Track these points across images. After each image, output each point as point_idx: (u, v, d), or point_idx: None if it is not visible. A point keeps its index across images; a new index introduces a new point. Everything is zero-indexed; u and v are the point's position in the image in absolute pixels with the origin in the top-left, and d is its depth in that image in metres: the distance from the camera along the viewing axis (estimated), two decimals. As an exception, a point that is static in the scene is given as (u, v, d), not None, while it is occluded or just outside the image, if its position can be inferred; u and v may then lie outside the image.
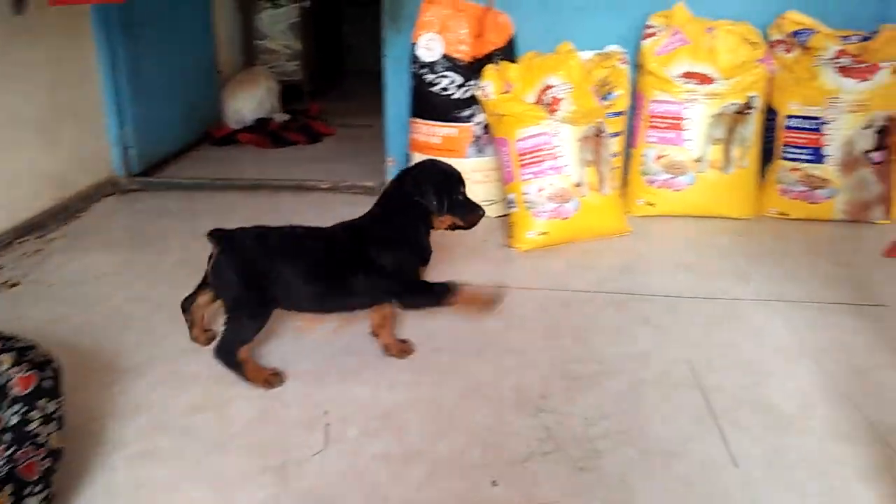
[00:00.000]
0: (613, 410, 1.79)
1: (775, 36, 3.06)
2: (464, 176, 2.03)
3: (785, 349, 2.08)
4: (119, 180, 3.70)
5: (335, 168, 4.09)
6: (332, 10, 6.71)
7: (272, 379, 1.90)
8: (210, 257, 1.92)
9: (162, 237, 3.00)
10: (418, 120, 3.20)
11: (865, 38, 2.93)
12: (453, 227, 2.02)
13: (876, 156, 2.94)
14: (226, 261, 1.87)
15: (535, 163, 2.83)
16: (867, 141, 2.92)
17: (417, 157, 3.24)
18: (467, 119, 3.10)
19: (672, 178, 3.12)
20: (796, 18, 3.01)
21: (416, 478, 1.55)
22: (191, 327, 2.09)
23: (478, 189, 3.18)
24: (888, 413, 1.76)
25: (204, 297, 2.03)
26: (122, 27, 3.56)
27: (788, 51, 3.01)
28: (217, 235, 1.88)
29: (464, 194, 2.00)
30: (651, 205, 3.19)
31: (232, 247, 1.87)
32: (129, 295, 2.46)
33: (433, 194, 1.92)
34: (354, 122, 5.37)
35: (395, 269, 1.92)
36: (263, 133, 4.92)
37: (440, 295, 1.92)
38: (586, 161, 2.86)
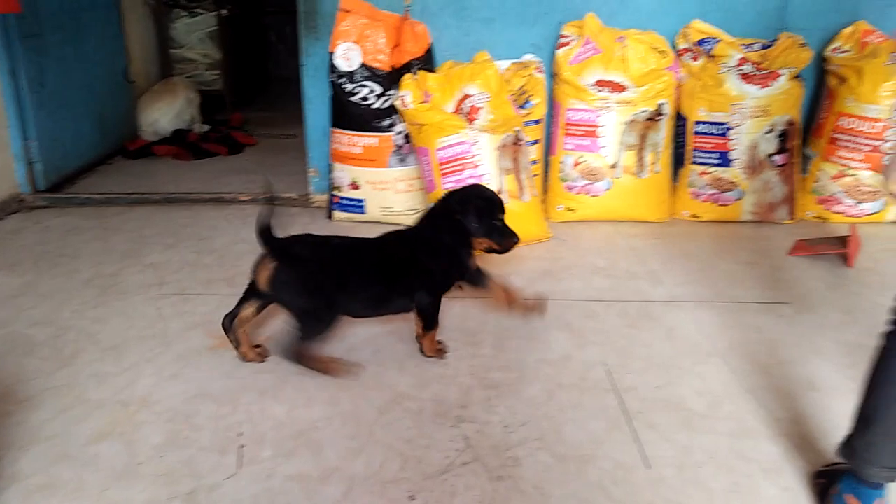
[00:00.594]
0: (531, 417, 1.81)
1: (682, 45, 3.18)
2: (501, 202, 2.11)
3: (695, 349, 2.15)
4: (24, 197, 3.51)
5: (256, 179, 4.01)
6: (254, 17, 6.59)
7: (340, 368, 1.97)
8: (256, 269, 1.94)
9: (70, 256, 2.86)
10: (338, 130, 3.17)
11: (766, 47, 3.08)
12: (489, 250, 2.12)
13: (779, 159, 3.09)
14: (287, 272, 1.90)
15: (455, 171, 2.85)
16: (770, 145, 3.07)
17: (337, 168, 3.22)
18: (388, 129, 3.08)
19: (589, 183, 3.19)
20: (701, 27, 3.13)
21: (332, 497, 1.52)
22: (237, 346, 2.05)
23: (402, 198, 3.19)
24: (790, 408, 1.85)
25: (247, 311, 2.02)
26: (22, 37, 3.39)
27: (695, 59, 3.13)
28: (273, 247, 1.90)
29: (502, 220, 2.09)
30: (571, 210, 3.26)
31: (290, 258, 1.91)
32: (33, 318, 2.33)
33: (474, 216, 2.02)
34: (278, 131, 5.28)
35: (438, 275, 2.04)
36: (182, 145, 4.77)
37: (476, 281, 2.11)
38: (505, 169, 2.90)
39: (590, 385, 1.96)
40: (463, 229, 2.03)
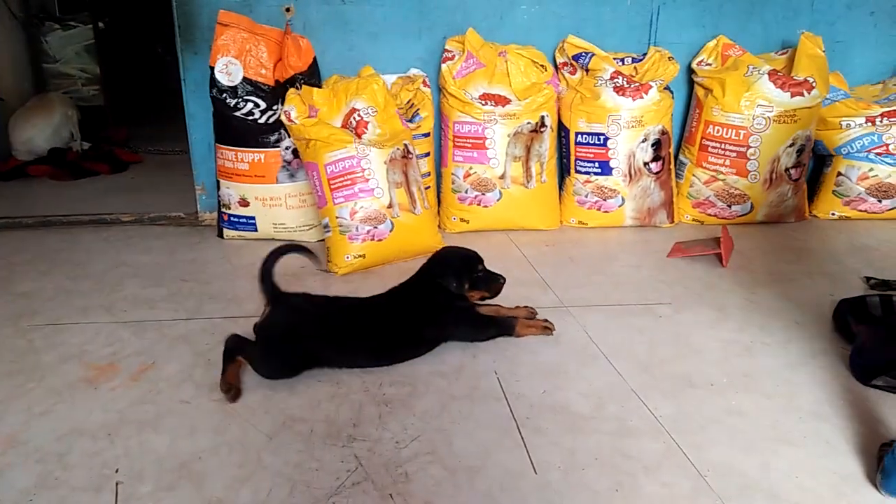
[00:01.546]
0: (423, 430, 1.81)
1: (560, 59, 3.31)
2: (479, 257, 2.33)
3: (581, 352, 2.23)
4: None
5: (141, 198, 3.84)
6: (135, 29, 6.31)
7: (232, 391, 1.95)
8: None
9: (-74, 289, 2.64)
10: (223, 146, 3.09)
11: (637, 60, 3.25)
12: (482, 298, 2.33)
13: (654, 166, 3.26)
14: (277, 317, 2.07)
15: (345, 186, 2.83)
16: (645, 153, 3.24)
17: (224, 185, 3.13)
18: (274, 144, 3.03)
19: (481, 194, 3.25)
20: (576, 42, 3.27)
21: (216, 530, 1.47)
22: (224, 372, 2.00)
23: (294, 214, 3.14)
24: (669, 405, 1.94)
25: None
26: None
27: (573, 73, 3.27)
28: (270, 292, 2.08)
29: (483, 270, 2.31)
30: (465, 221, 3.31)
31: (285, 305, 2.09)
32: None
33: (454, 279, 2.22)
34: (167, 147, 5.08)
35: (457, 323, 2.25)
36: (59, 164, 4.51)
37: (504, 327, 2.28)
38: (396, 182, 2.91)
39: (481, 394, 1.99)
40: (447, 290, 2.22)
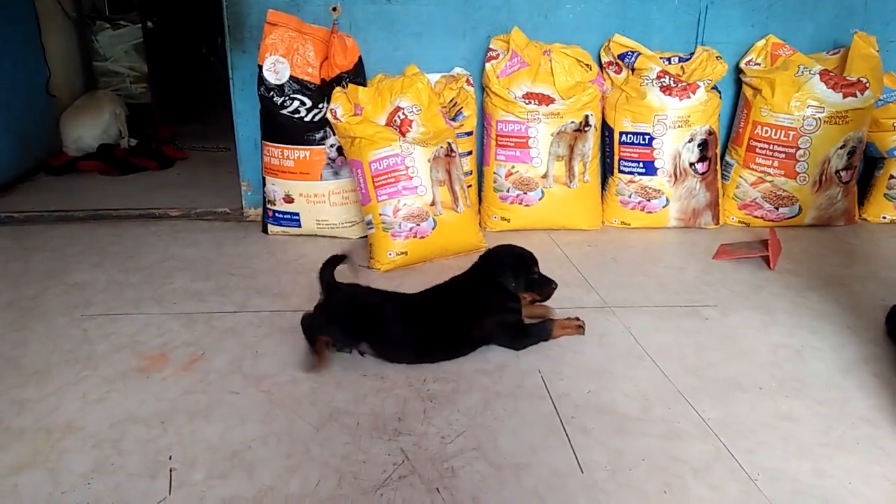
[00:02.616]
0: (468, 426, 1.82)
1: (605, 58, 3.28)
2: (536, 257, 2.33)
3: (626, 353, 2.21)
4: (-65, 218, 3.34)
5: (187, 194, 3.92)
6: (182, 29, 6.45)
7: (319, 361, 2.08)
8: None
9: (-15, 279, 2.73)
10: (270, 143, 3.14)
11: (684, 60, 3.20)
12: (532, 301, 2.32)
13: (700, 167, 3.22)
14: (329, 304, 2.17)
15: (389, 184, 2.85)
16: (692, 153, 3.20)
17: (270, 181, 3.18)
18: (319, 142, 3.07)
19: (522, 193, 3.25)
20: (622, 42, 3.24)
21: (268, 518, 1.50)
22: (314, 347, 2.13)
23: (337, 211, 3.17)
24: (717, 408, 1.91)
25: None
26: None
27: (618, 72, 3.24)
28: (326, 283, 2.19)
29: (538, 273, 2.30)
30: (506, 220, 3.31)
31: (338, 294, 2.19)
32: (-55, 346, 2.21)
33: (511, 276, 2.23)
34: (211, 144, 5.18)
35: (498, 328, 2.21)
36: (108, 160, 4.63)
37: (542, 334, 2.24)
38: (439, 180, 2.92)
39: (525, 393, 1.99)
40: (505, 289, 2.22)
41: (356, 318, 2.12)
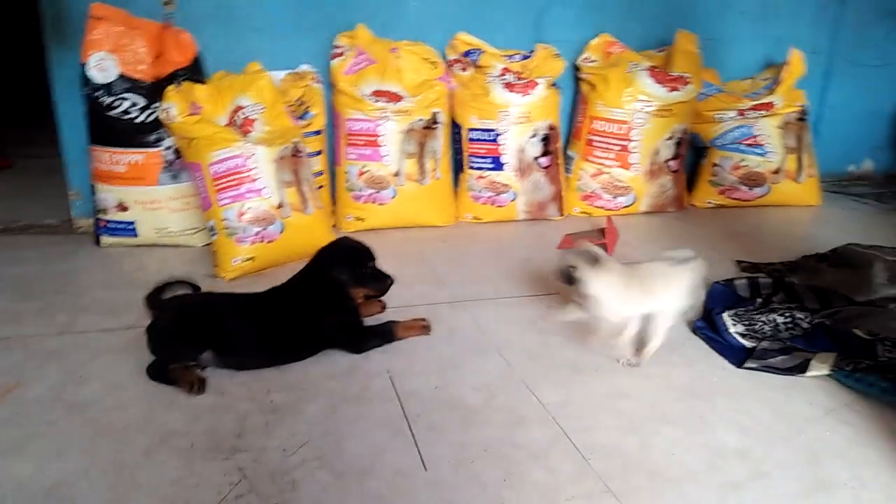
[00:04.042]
0: (311, 436, 1.77)
1: (451, 55, 3.33)
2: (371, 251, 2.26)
3: (474, 346, 2.25)
4: None
5: (10, 206, 3.57)
6: (12, 25, 5.84)
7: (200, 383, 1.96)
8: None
9: None
10: (99, 147, 2.91)
11: (525, 57, 3.31)
12: (367, 297, 2.27)
13: (544, 161, 3.34)
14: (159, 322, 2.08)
15: (231, 186, 2.73)
16: (535, 148, 3.31)
17: (100, 189, 2.95)
18: (154, 144, 2.89)
19: (376, 192, 3.23)
20: (466, 39, 3.30)
21: (85, 558, 1.38)
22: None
23: (178, 217, 3.00)
24: (557, 392, 1.98)
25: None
26: None
27: (464, 69, 3.29)
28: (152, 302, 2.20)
29: (371, 267, 2.24)
30: (360, 219, 3.28)
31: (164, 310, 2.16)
32: None
33: (342, 271, 2.17)
34: (43, 151, 4.73)
35: (336, 330, 2.16)
36: (-83, 170, 4.13)
37: (385, 336, 2.22)
38: (286, 182, 2.83)
39: (372, 395, 1.96)
40: (337, 284, 2.15)
41: (191, 327, 2.02)
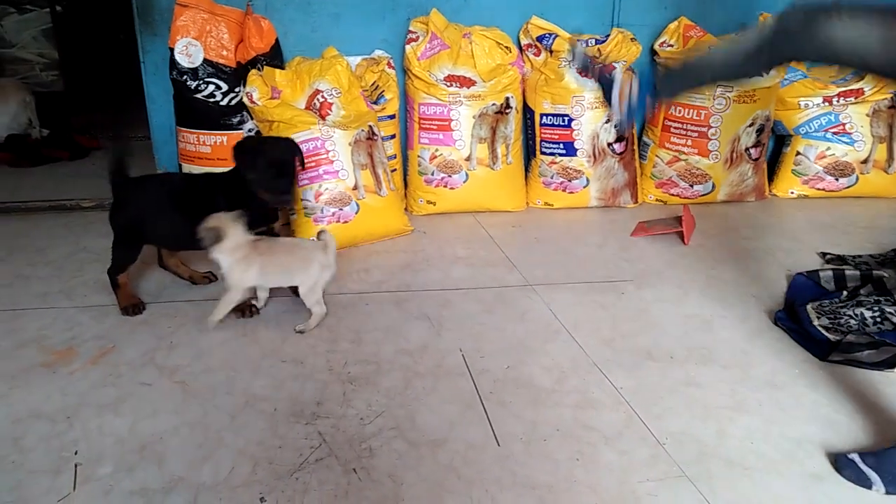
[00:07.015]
0: (387, 406, 1.82)
1: (524, 40, 3.31)
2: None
3: (545, 328, 2.25)
4: None
5: (101, 184, 3.73)
6: (96, 13, 6.16)
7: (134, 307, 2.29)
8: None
9: None
10: (185, 129, 3.04)
11: (600, 42, 3.26)
12: (266, 204, 2.26)
13: (618, 147, 3.29)
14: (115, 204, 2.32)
15: (310, 168, 2.81)
16: (609, 134, 3.26)
17: (187, 168, 3.08)
18: (237, 126, 2.99)
19: (447, 176, 3.25)
20: (539, 24, 3.28)
21: (177, 508, 1.46)
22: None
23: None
24: (630, 377, 1.97)
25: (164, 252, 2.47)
26: None
27: (537, 54, 3.27)
28: (114, 182, 2.31)
29: (282, 168, 2.21)
30: (432, 203, 3.31)
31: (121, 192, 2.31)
32: None
33: (250, 168, 2.18)
34: (129, 133, 4.97)
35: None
36: (17, 151, 4.40)
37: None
38: (361, 164, 2.89)
39: (445, 371, 2.00)
40: (243, 180, 2.20)
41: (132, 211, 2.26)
